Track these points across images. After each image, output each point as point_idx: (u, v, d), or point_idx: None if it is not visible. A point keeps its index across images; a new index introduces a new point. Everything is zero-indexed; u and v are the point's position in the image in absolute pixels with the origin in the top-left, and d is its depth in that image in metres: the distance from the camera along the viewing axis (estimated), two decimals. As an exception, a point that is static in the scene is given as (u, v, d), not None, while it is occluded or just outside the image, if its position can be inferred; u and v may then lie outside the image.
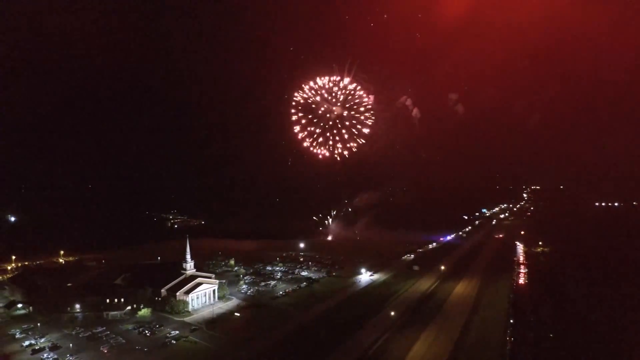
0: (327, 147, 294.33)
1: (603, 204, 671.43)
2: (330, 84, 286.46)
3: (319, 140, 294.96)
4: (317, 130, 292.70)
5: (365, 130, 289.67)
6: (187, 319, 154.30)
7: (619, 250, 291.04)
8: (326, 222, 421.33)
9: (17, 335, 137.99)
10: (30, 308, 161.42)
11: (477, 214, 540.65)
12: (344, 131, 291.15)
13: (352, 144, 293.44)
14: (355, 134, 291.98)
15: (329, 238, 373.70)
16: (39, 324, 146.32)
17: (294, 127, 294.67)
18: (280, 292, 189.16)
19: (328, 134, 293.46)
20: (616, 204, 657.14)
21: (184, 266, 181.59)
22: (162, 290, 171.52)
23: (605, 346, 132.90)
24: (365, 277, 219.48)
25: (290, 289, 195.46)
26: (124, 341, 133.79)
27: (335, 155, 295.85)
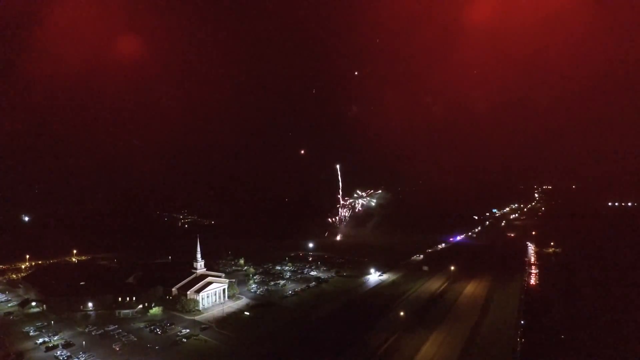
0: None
1: (616, 204, 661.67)
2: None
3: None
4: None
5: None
6: (197, 318, 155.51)
7: (632, 250, 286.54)
8: (336, 221, 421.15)
9: (32, 333, 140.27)
10: (44, 306, 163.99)
11: (488, 214, 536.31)
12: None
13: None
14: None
15: (338, 238, 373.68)
16: (52, 322, 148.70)
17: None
18: (290, 292, 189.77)
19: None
20: (629, 204, 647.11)
21: (194, 265, 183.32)
22: (173, 289, 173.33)
23: (618, 348, 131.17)
24: (374, 277, 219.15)
25: (299, 288, 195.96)
26: (135, 339, 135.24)
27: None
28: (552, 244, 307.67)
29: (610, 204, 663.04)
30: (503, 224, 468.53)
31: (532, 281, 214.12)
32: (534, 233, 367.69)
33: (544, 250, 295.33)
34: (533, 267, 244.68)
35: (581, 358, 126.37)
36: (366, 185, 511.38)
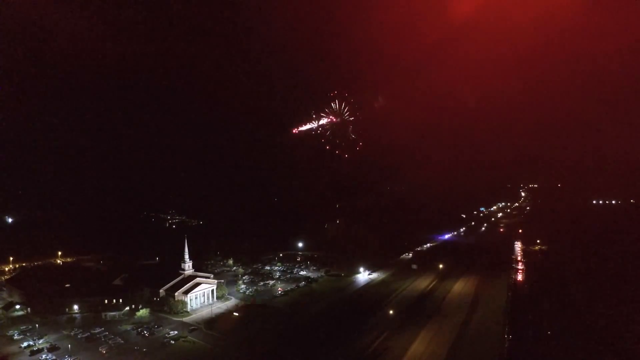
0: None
1: (600, 201, 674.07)
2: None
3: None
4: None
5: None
6: (185, 319, 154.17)
7: (616, 247, 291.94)
8: (325, 221, 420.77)
9: (16, 337, 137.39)
10: (29, 309, 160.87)
11: (475, 212, 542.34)
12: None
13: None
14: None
15: (328, 236, 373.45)
16: (37, 325, 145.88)
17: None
18: (279, 292, 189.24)
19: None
20: (613, 202, 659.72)
21: (182, 266, 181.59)
22: (161, 291, 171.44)
23: (603, 343, 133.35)
24: (363, 276, 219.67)
25: (288, 288, 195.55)
26: (122, 342, 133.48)
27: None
28: (538, 241, 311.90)
29: (594, 202, 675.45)
30: (490, 222, 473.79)
31: (519, 278, 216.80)
32: (520, 231, 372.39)
33: (530, 247, 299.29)
34: (519, 264, 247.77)
35: (568, 353, 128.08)
36: (354, 184, 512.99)
